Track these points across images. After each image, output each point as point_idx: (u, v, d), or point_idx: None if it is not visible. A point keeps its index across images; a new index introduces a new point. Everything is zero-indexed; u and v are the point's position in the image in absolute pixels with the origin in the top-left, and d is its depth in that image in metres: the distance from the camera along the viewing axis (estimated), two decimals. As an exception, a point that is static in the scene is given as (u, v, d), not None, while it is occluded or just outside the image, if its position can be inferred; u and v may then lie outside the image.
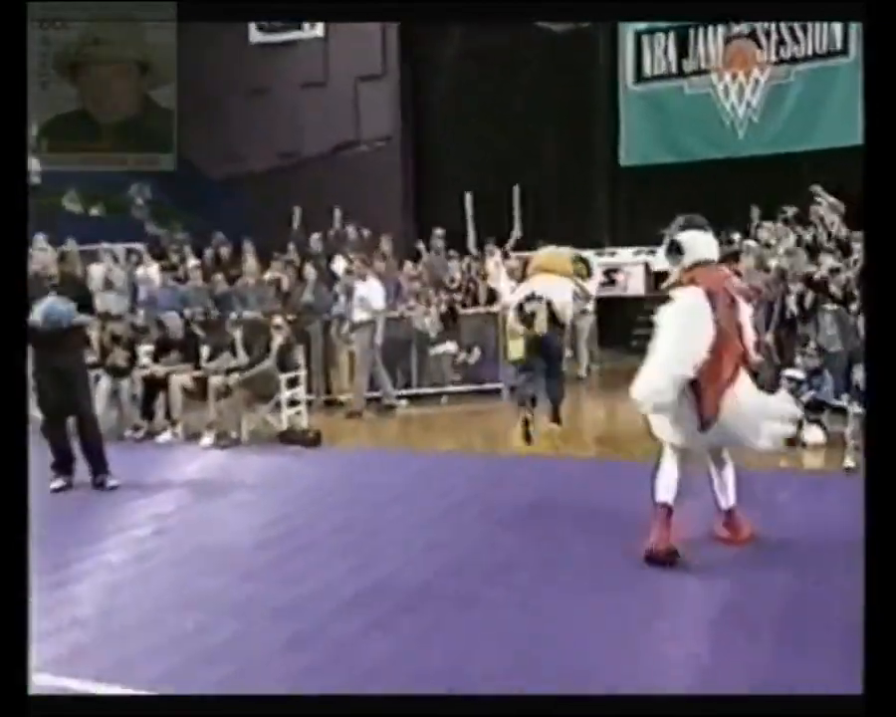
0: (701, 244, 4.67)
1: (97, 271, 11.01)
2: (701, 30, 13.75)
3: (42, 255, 7.43)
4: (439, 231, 11.72)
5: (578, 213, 14.73)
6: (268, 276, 10.73)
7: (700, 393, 4.38)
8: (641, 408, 4.48)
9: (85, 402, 6.66)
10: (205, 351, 8.88)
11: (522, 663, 3.47)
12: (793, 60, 13.28)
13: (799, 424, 6.20)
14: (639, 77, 14.46)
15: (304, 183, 14.20)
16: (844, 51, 12.65)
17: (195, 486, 6.79)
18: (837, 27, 12.71)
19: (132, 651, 3.70)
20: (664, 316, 4.50)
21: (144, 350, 8.98)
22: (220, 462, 7.59)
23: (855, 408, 6.31)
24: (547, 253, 8.07)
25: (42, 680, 3.15)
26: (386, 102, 15.58)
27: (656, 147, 14.30)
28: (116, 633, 3.94)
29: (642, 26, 14.03)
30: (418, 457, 7.59)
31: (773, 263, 9.16)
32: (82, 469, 6.60)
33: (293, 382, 8.59)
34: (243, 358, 8.57)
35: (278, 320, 8.87)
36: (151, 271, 11.21)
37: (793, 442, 6.61)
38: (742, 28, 13.53)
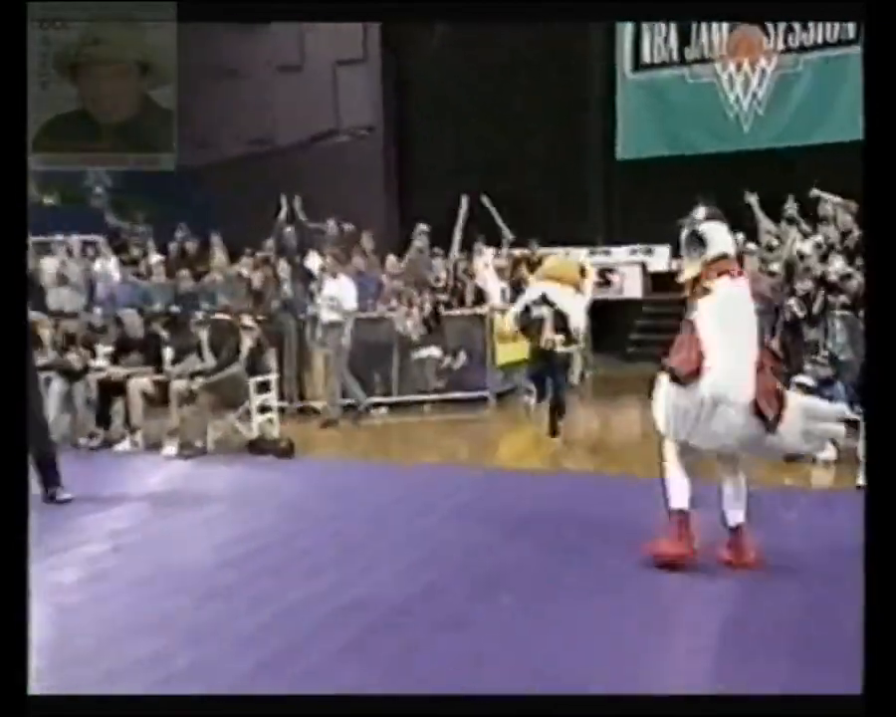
0: (724, 237, 4.73)
1: (49, 265, 10.87)
2: (704, 15, 13.83)
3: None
4: (423, 227, 11.68)
5: (571, 210, 14.76)
6: (240, 271, 10.64)
7: (758, 392, 4.40)
8: (717, 404, 4.37)
9: (35, 407, 6.54)
10: (168, 352, 8.81)
11: (505, 688, 3.41)
12: (802, 48, 13.37)
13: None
14: (638, 65, 14.52)
15: (278, 174, 14.12)
16: (856, 39, 12.72)
17: (156, 499, 6.70)
18: (849, 15, 12.82)
19: (86, 680, 3.61)
20: (708, 307, 4.48)
21: (102, 350, 8.87)
22: (183, 473, 7.51)
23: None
24: (555, 260, 8.42)
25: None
26: (368, 88, 15.56)
27: (655, 140, 14.35)
28: (69, 660, 3.84)
29: (641, 11, 14.09)
30: (398, 470, 7.55)
31: (775, 267, 9.18)
32: (31, 480, 6.48)
33: (264, 388, 8.54)
34: (210, 360, 8.50)
35: (248, 320, 8.81)
36: (110, 265, 11.10)
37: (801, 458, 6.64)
38: (748, 14, 13.60)
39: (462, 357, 10.48)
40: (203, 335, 8.76)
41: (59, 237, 11.44)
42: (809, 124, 13.05)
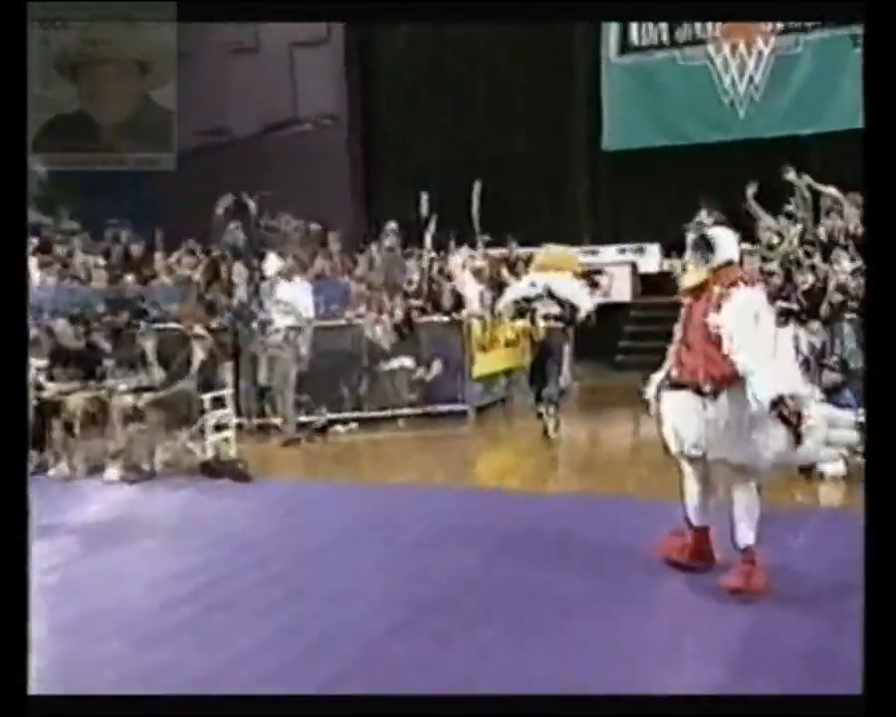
0: (731, 242, 4.91)
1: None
2: (696, -8, 13.89)
3: None
4: (393, 225, 11.59)
5: (553, 206, 14.75)
6: (189, 274, 10.50)
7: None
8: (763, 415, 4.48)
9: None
10: (108, 365, 8.69)
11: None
12: (802, 28, 13.42)
13: None
14: (624, 47, 14.54)
15: (232, 166, 13.97)
16: (857, 18, 12.80)
17: (93, 530, 6.57)
18: (851, -8, 12.90)
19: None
20: (733, 314, 4.60)
21: (35, 364, 8.69)
22: (127, 500, 7.40)
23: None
24: (551, 252, 8.85)
25: None
26: (330, 73, 15.46)
27: (643, 129, 14.38)
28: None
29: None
30: (367, 492, 7.49)
31: (774, 265, 9.19)
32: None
33: (218, 403, 8.44)
34: (157, 374, 8.42)
35: (200, 329, 8.70)
36: (30, 267, 10.88)
37: (810, 473, 6.70)
38: (743, -10, 13.68)
39: (437, 367, 10.39)
40: (149, 345, 8.67)
41: None
42: (811, 111, 13.11)
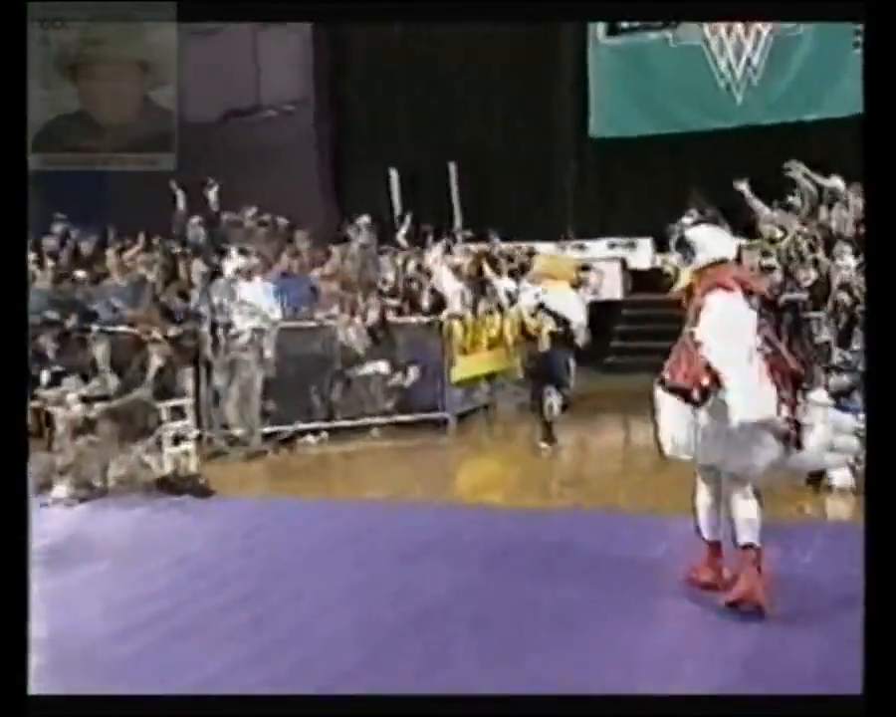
0: (718, 241, 4.97)
1: None
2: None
3: None
4: (365, 219, 11.58)
5: (537, 197, 14.78)
6: (143, 274, 10.45)
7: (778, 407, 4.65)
8: (748, 427, 4.58)
9: None
10: (45, 374, 8.68)
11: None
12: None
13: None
14: (613, 27, 14.57)
15: (188, 155, 13.88)
16: (862, -2, 12.93)
17: (39, 554, 6.39)
18: (853, -31, 13.00)
19: None
20: (709, 324, 4.71)
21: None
22: (75, 520, 7.35)
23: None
24: (547, 258, 9.33)
25: None
26: (296, 55, 15.42)
27: (634, 115, 14.45)
28: None
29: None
30: (339, 508, 7.48)
31: (772, 260, 9.24)
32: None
33: (177, 413, 8.41)
34: (110, 381, 8.39)
35: (156, 333, 8.68)
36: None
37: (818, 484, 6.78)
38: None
39: (415, 372, 10.38)
40: (100, 351, 8.63)
41: None
42: (811, 95, 13.21)
